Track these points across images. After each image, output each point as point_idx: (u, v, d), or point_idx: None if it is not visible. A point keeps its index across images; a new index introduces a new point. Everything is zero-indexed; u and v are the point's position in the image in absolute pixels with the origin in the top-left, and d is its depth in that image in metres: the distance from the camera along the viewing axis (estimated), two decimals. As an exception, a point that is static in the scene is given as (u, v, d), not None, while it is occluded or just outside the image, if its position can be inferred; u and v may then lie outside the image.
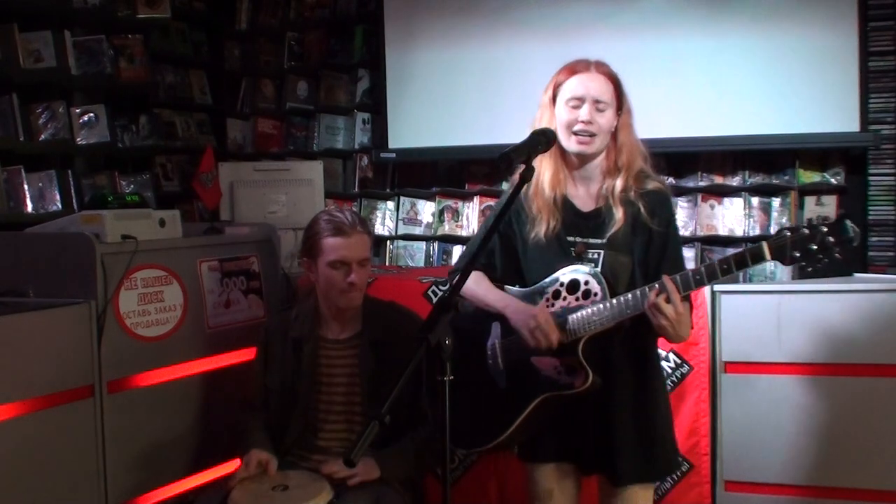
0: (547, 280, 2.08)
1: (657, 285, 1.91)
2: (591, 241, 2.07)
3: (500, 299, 2.12)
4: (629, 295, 1.95)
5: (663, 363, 2.83)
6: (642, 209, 2.04)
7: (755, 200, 3.91)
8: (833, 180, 3.80)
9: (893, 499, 2.66)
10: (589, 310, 1.99)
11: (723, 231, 3.92)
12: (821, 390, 2.74)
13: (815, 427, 2.74)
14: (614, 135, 2.09)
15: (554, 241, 2.09)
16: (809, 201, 3.83)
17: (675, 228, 2.11)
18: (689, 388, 2.83)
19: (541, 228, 2.08)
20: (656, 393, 2.15)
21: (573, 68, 2.08)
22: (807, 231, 1.77)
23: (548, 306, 2.06)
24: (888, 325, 2.67)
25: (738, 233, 3.89)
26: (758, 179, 3.91)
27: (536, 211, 2.10)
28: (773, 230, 3.84)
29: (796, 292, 2.79)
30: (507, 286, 2.17)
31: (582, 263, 2.05)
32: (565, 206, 2.10)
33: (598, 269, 2.03)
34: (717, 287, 2.82)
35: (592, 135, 2.04)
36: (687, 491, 2.84)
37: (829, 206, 3.79)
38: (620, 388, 2.07)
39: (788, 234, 1.78)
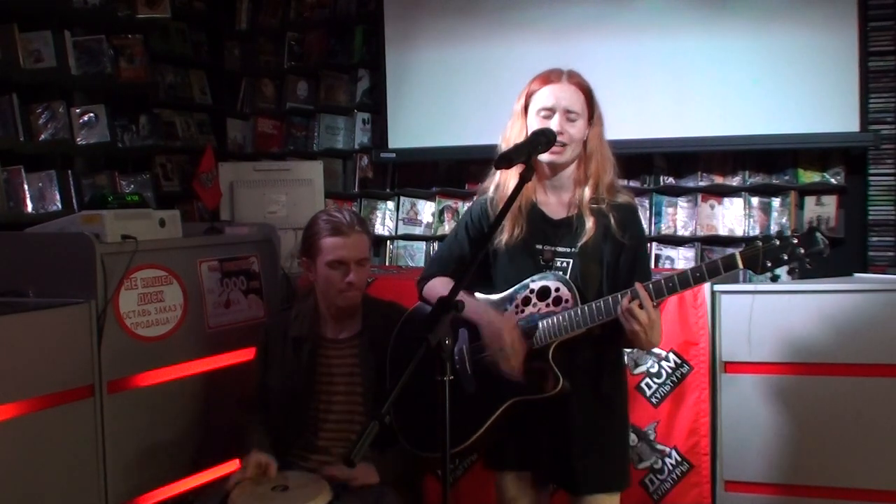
0: (516, 287, 2.09)
1: (630, 292, 1.93)
2: (560, 249, 2.09)
3: (473, 309, 2.08)
4: (601, 301, 1.97)
5: (663, 363, 2.84)
6: (612, 221, 2.06)
7: (755, 200, 3.91)
8: (833, 180, 3.80)
9: (893, 499, 2.66)
10: (560, 316, 2.00)
11: (723, 231, 3.92)
12: (821, 390, 2.74)
13: (815, 427, 2.74)
14: (585, 144, 2.10)
15: (522, 249, 2.10)
16: (809, 201, 3.83)
17: (644, 241, 2.16)
18: (689, 388, 2.83)
19: (503, 237, 2.10)
20: (615, 402, 2.16)
21: (545, 78, 2.09)
22: (777, 242, 1.82)
23: (517, 313, 2.07)
24: (888, 325, 2.67)
25: (738, 233, 3.89)
26: (758, 179, 3.91)
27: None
28: (773, 230, 3.84)
29: (796, 292, 2.79)
30: (476, 293, 2.16)
31: (551, 271, 2.07)
32: (534, 215, 2.12)
33: (568, 276, 2.05)
34: (716, 287, 2.82)
35: (563, 145, 2.04)
36: (687, 491, 2.84)
37: (829, 206, 3.80)
38: (579, 395, 2.07)
39: (760, 244, 1.83)
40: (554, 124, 2.03)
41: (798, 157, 3.86)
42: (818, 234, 1.80)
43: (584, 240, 2.05)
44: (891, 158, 3.68)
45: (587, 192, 2.08)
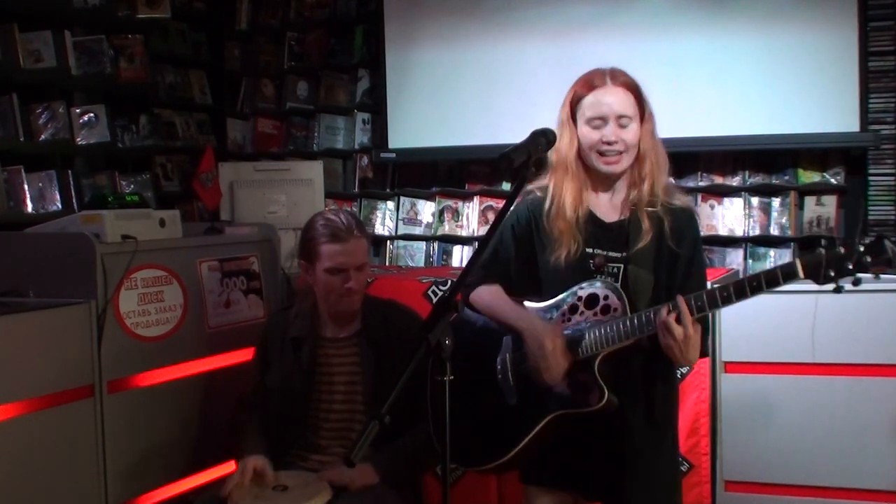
0: (564, 294, 1.99)
1: (670, 304, 1.82)
2: (612, 254, 1.99)
3: (517, 316, 2.02)
4: (650, 312, 1.86)
5: (663, 363, 2.83)
6: (667, 226, 1.96)
7: (755, 200, 3.91)
8: (833, 180, 3.80)
9: (893, 499, 2.67)
10: (607, 326, 1.90)
11: (723, 231, 3.92)
12: (821, 390, 2.74)
13: (815, 427, 2.75)
14: (638, 144, 2.00)
15: (575, 257, 1.99)
16: (809, 201, 3.83)
17: (700, 250, 2.03)
18: (689, 388, 2.83)
19: (562, 252, 1.99)
20: (668, 419, 2.06)
21: (590, 83, 1.98)
22: (843, 250, 1.65)
23: (563, 321, 1.97)
24: (888, 325, 2.67)
25: (738, 233, 3.89)
26: (758, 179, 3.91)
27: (558, 234, 2.00)
28: (773, 230, 3.84)
29: (796, 292, 2.79)
30: (525, 302, 2.07)
31: (602, 277, 1.97)
32: (587, 220, 2.01)
33: (619, 283, 1.95)
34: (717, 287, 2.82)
35: (620, 152, 1.95)
36: (687, 491, 2.84)
37: (829, 206, 3.79)
38: (633, 415, 1.99)
39: (823, 252, 1.66)
40: (608, 134, 1.94)
41: (798, 157, 3.86)
42: (887, 242, 1.63)
43: (638, 245, 1.95)
44: (891, 158, 3.68)
45: (644, 194, 1.97)
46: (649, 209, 1.97)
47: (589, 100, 1.97)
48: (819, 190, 3.82)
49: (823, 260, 1.67)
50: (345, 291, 2.37)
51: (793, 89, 3.68)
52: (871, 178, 3.70)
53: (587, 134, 1.97)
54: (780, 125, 3.70)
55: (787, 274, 1.71)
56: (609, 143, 1.95)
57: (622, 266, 1.97)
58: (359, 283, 2.40)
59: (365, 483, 2.25)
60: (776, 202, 3.87)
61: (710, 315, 1.91)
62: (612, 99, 1.95)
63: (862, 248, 1.64)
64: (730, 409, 2.82)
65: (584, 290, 1.96)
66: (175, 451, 2.75)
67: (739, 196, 3.92)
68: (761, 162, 3.91)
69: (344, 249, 2.35)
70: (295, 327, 2.50)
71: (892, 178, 3.67)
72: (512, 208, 2.04)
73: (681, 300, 1.81)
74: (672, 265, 1.97)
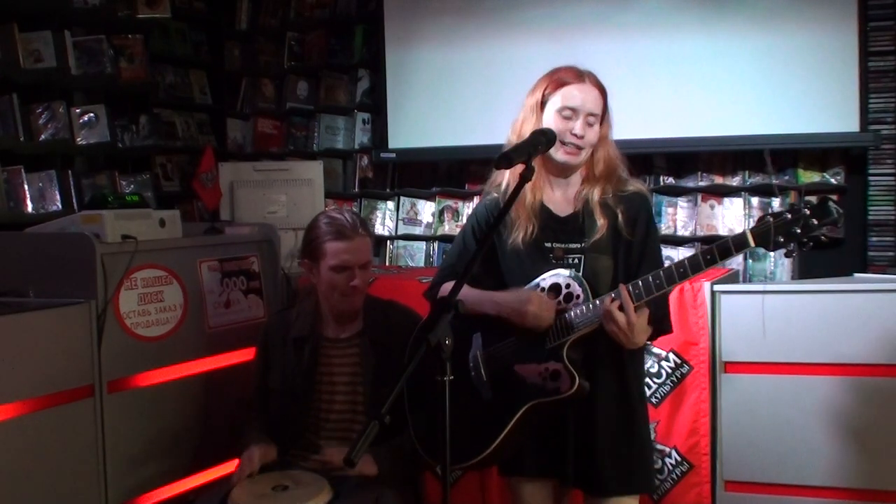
0: (527, 287, 2.05)
1: (613, 293, 1.90)
2: (570, 246, 2.05)
3: (488, 297, 2.06)
4: (609, 297, 1.93)
5: (663, 363, 2.84)
6: (620, 215, 2.03)
7: (755, 200, 3.91)
8: (833, 180, 3.80)
9: (893, 499, 2.66)
10: (571, 313, 1.96)
11: (723, 231, 3.92)
12: (821, 390, 2.74)
13: (815, 427, 2.74)
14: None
15: (532, 247, 2.06)
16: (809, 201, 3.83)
17: (655, 233, 2.10)
18: (689, 388, 2.83)
19: (518, 235, 2.06)
20: (637, 402, 2.11)
21: (567, 77, 2.05)
22: (789, 215, 1.73)
23: None
24: (888, 325, 2.67)
25: (738, 233, 3.88)
26: (758, 179, 3.91)
27: (515, 216, 2.07)
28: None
29: (796, 292, 2.79)
30: None
31: (562, 268, 2.03)
32: (542, 212, 2.08)
33: (580, 272, 2.01)
34: (716, 287, 2.82)
35: (580, 148, 2.02)
36: (687, 491, 2.84)
37: (829, 207, 3.79)
38: (601, 397, 2.03)
39: (771, 219, 1.74)
40: (577, 127, 2.00)
41: (798, 157, 3.86)
42: (831, 204, 1.70)
43: (594, 238, 2.02)
44: (891, 158, 3.68)
45: (596, 191, 2.05)
46: (601, 199, 2.05)
47: (565, 91, 2.04)
48: (819, 190, 3.82)
49: (771, 227, 1.74)
50: (349, 290, 2.37)
51: (793, 89, 3.69)
52: (871, 178, 3.71)
53: (556, 122, 2.03)
54: (780, 125, 3.70)
55: (738, 244, 1.79)
56: (576, 137, 2.01)
57: (581, 256, 2.04)
58: (363, 281, 2.40)
59: (363, 472, 2.24)
60: (776, 202, 3.87)
61: (666, 292, 1.96)
62: (588, 97, 2.03)
63: (808, 212, 1.70)
64: (730, 409, 2.82)
65: (546, 280, 2.03)
66: (175, 451, 2.75)
67: (739, 196, 3.92)
68: (761, 162, 3.91)
69: (349, 247, 2.36)
70: (296, 328, 2.50)
71: (892, 178, 3.67)
72: (472, 211, 2.17)
73: (623, 289, 1.89)
74: (628, 250, 2.04)
